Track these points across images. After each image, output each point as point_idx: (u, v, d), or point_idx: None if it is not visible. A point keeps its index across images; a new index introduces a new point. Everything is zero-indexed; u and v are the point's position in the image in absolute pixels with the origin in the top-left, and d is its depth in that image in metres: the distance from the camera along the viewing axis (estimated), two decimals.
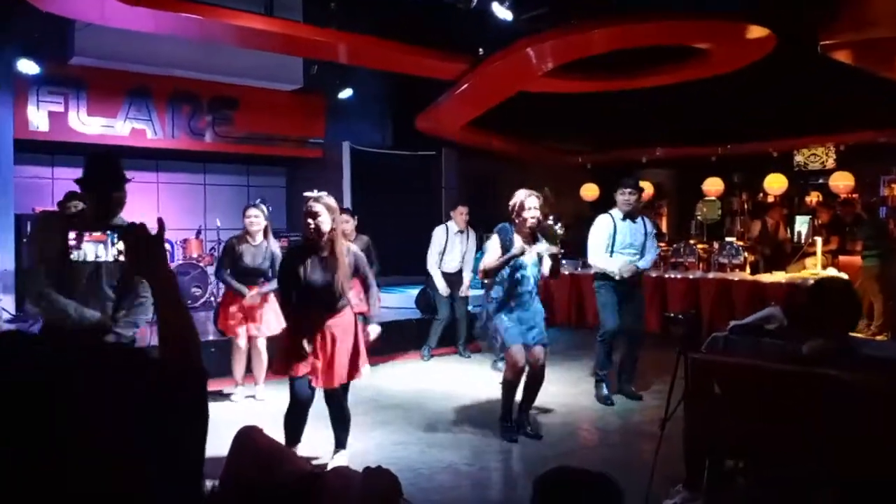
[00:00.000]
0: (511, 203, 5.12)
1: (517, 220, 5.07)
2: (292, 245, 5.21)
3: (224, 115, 10.85)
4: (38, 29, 8.50)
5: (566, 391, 6.43)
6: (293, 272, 4.28)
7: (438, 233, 8.04)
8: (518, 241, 4.98)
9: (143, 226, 1.53)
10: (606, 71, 9.70)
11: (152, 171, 10.87)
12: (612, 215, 6.22)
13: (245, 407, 5.98)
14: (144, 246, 1.51)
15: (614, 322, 6.14)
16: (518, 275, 5.02)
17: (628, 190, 6.15)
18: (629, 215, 6.17)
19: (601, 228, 6.19)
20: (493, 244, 5.07)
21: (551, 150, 14.02)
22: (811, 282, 8.21)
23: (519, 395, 5.25)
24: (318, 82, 10.96)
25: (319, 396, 4.46)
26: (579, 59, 8.82)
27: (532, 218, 5.00)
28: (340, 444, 4.58)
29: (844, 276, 8.96)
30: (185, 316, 1.50)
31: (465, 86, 9.63)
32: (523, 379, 5.23)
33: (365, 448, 5.00)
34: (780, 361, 3.42)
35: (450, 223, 8.11)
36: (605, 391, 6.17)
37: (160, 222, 1.62)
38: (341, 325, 4.36)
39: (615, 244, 6.15)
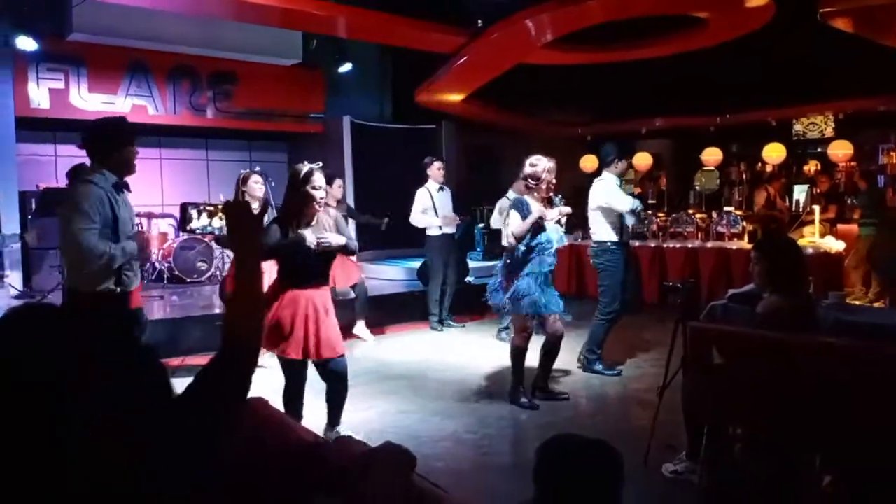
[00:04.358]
0: (532, 171, 5.26)
1: (536, 187, 5.25)
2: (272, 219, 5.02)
3: (224, 90, 10.84)
4: (35, 5, 8.49)
5: (567, 359, 6.48)
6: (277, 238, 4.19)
7: (421, 193, 8.05)
8: (536, 206, 5.19)
9: (247, 204, 1.72)
10: (605, 42, 9.68)
11: (155, 148, 10.87)
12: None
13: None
14: (243, 222, 1.64)
15: (622, 299, 6.26)
16: (543, 240, 5.18)
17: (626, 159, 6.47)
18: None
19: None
20: (515, 217, 5.23)
21: (550, 121, 14.02)
22: (809, 251, 8.32)
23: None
24: (318, 57, 10.95)
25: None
26: (578, 30, 8.81)
27: (553, 181, 5.29)
28: (335, 421, 4.51)
29: (841, 244, 9.07)
30: (258, 291, 1.63)
31: (464, 58, 9.61)
32: (540, 347, 5.50)
33: (367, 417, 5.11)
34: (755, 326, 3.51)
35: (428, 183, 8.11)
36: (601, 366, 6.25)
37: (264, 205, 1.86)
38: (323, 296, 4.30)
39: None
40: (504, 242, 5.53)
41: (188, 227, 9.31)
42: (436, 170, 8.10)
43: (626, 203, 6.17)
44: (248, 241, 1.63)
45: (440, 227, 7.99)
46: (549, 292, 5.25)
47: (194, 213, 9.22)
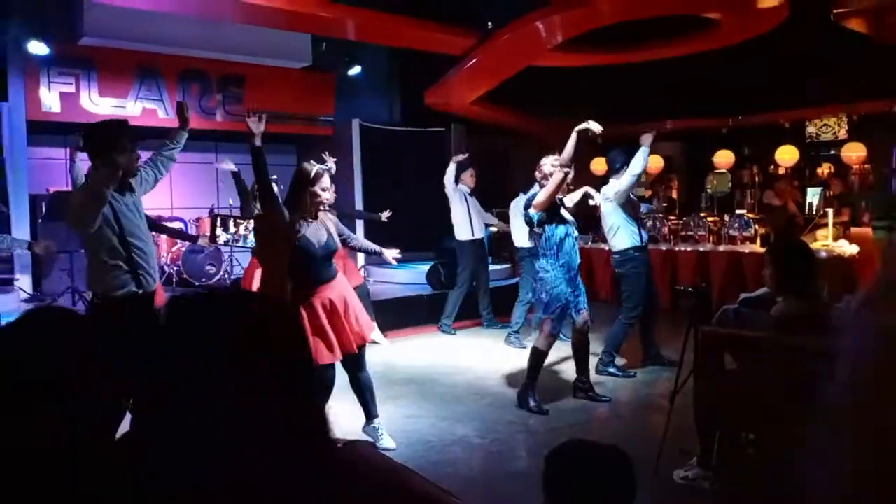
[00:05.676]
0: (552, 171, 5.35)
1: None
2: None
3: (233, 93, 10.84)
4: (47, 9, 8.52)
5: None
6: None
7: (457, 199, 8.13)
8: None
9: (277, 220, 1.69)
10: (616, 44, 9.63)
11: None
12: None
13: None
14: (272, 237, 1.66)
15: (644, 303, 6.32)
16: (566, 234, 5.27)
17: None
18: None
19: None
20: (540, 193, 5.33)
21: (560, 124, 13.95)
22: (823, 254, 8.23)
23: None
24: (327, 59, 10.93)
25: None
26: (589, 32, 8.76)
27: (570, 182, 5.52)
28: (374, 413, 4.53)
29: (855, 247, 8.97)
30: (284, 299, 1.63)
31: (474, 60, 9.58)
32: (570, 345, 5.64)
33: None
34: (768, 329, 3.47)
35: (461, 186, 8.19)
36: (615, 368, 6.31)
37: None
38: (339, 288, 4.25)
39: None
40: (517, 243, 5.48)
41: (216, 239, 9.18)
42: (468, 177, 8.26)
43: (633, 170, 6.23)
44: (278, 254, 1.65)
45: (472, 232, 8.09)
46: (580, 288, 5.34)
47: (218, 222, 9.12)
